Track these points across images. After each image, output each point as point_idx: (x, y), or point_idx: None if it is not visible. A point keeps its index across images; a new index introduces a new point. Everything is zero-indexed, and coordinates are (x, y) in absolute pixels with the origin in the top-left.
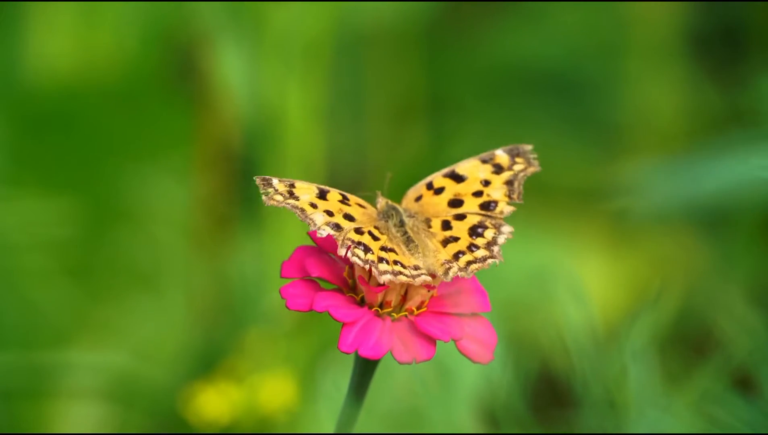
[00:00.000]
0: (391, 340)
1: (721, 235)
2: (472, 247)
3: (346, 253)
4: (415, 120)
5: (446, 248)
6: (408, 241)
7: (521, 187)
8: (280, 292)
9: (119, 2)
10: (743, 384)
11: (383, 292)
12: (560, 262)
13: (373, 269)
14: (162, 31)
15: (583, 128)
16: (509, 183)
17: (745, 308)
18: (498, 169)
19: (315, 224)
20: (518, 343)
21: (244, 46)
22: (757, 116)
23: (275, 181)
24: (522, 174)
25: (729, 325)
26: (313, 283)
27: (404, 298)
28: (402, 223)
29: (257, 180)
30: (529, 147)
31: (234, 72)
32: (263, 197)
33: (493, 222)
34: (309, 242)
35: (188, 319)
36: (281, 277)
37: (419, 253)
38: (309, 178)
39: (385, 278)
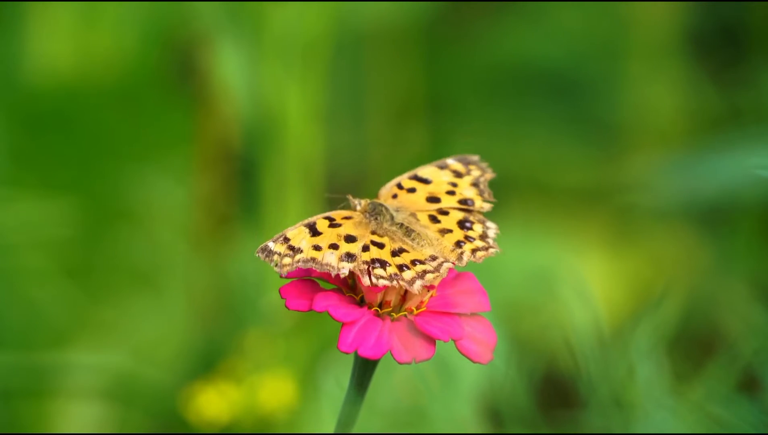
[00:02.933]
0: (390, 339)
1: (722, 234)
2: (468, 238)
3: (371, 280)
4: (415, 120)
5: (445, 238)
6: (408, 232)
7: (487, 189)
8: (279, 292)
9: (119, 2)
10: (748, 384)
11: (383, 291)
12: (561, 262)
13: (400, 284)
14: (161, 31)
15: (582, 128)
16: (475, 185)
17: (748, 307)
18: (458, 174)
19: (334, 268)
20: (522, 343)
21: (243, 46)
22: (761, 114)
23: (271, 245)
24: (482, 178)
25: (733, 324)
26: (312, 282)
27: (404, 297)
28: (393, 217)
29: (259, 255)
30: (476, 157)
31: (233, 72)
32: (276, 269)
33: (477, 217)
34: None
35: (188, 318)
36: (281, 276)
37: (423, 242)
38: (309, 179)
39: (417, 286)
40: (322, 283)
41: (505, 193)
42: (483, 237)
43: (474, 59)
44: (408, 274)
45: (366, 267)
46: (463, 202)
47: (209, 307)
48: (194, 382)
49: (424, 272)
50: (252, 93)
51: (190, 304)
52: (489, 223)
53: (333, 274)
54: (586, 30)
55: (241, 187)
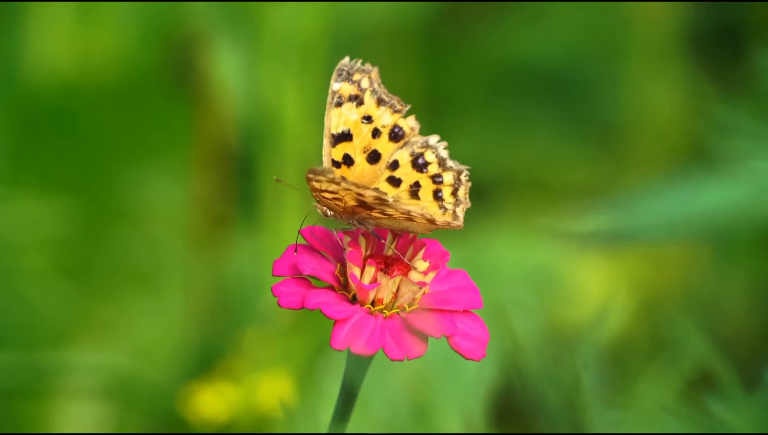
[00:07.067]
0: (383, 337)
1: (722, 236)
2: (436, 180)
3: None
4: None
5: (421, 199)
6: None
7: (390, 95)
8: (271, 290)
9: (117, 2)
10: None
11: (375, 289)
12: (558, 262)
13: (444, 225)
14: (160, 30)
15: (582, 128)
16: (380, 101)
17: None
18: (357, 100)
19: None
20: (501, 345)
21: (241, 45)
22: (760, 115)
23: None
24: (375, 83)
25: (700, 328)
26: (305, 280)
27: (396, 294)
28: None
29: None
30: (345, 61)
31: (232, 71)
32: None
33: (419, 144)
34: (302, 241)
35: (186, 318)
36: (273, 275)
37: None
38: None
39: (460, 219)
40: (314, 282)
41: (504, 193)
42: (442, 164)
43: (473, 59)
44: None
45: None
46: (393, 135)
47: (207, 306)
48: (192, 382)
49: (449, 222)
50: (250, 92)
51: (188, 304)
52: (431, 142)
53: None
54: (586, 30)
55: (239, 187)
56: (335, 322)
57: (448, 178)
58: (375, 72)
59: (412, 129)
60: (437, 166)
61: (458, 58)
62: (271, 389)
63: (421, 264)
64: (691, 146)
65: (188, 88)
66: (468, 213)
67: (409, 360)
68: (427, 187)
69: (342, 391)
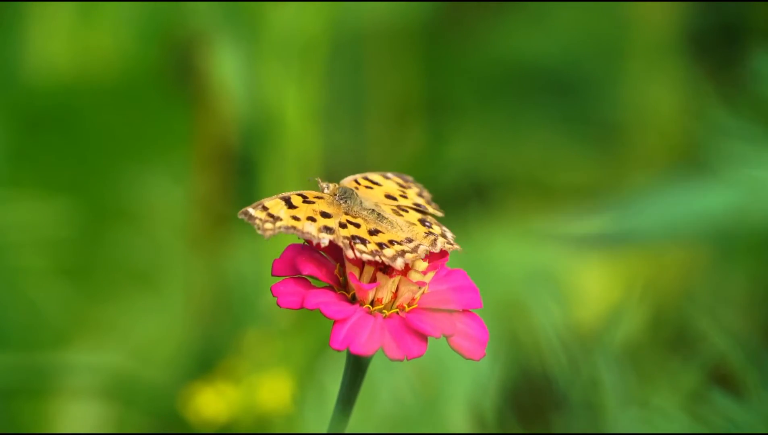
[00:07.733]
0: (382, 336)
1: (721, 238)
2: (431, 232)
3: (355, 254)
4: (414, 119)
5: (414, 226)
6: (380, 217)
7: (431, 199)
8: (271, 290)
9: (117, 2)
10: (727, 383)
11: (374, 288)
12: (559, 262)
13: (382, 259)
14: (160, 30)
15: (582, 128)
16: (420, 196)
17: (738, 308)
18: (401, 186)
19: (314, 238)
20: (510, 343)
21: (242, 45)
22: (760, 115)
23: (251, 211)
24: (424, 193)
25: (716, 326)
26: (304, 280)
27: (395, 294)
28: (362, 203)
29: (242, 217)
30: (410, 178)
31: (232, 72)
32: (258, 232)
33: (433, 220)
34: (301, 241)
35: (186, 318)
36: (272, 275)
37: (395, 228)
38: (307, 178)
39: (399, 263)
40: (314, 281)
41: (504, 193)
42: (444, 235)
43: (473, 59)
44: (389, 252)
45: (348, 241)
46: (417, 206)
47: (207, 306)
48: (193, 382)
49: (403, 252)
50: (250, 92)
51: (188, 304)
52: (445, 228)
53: (314, 242)
54: (586, 30)
55: (240, 187)
56: (334, 322)
57: (440, 242)
58: (426, 194)
59: (433, 214)
60: (441, 234)
61: (458, 59)
62: (272, 389)
63: (420, 264)
64: (690, 146)
65: (188, 88)
66: (468, 213)
67: (408, 360)
68: (419, 229)
69: (341, 391)
